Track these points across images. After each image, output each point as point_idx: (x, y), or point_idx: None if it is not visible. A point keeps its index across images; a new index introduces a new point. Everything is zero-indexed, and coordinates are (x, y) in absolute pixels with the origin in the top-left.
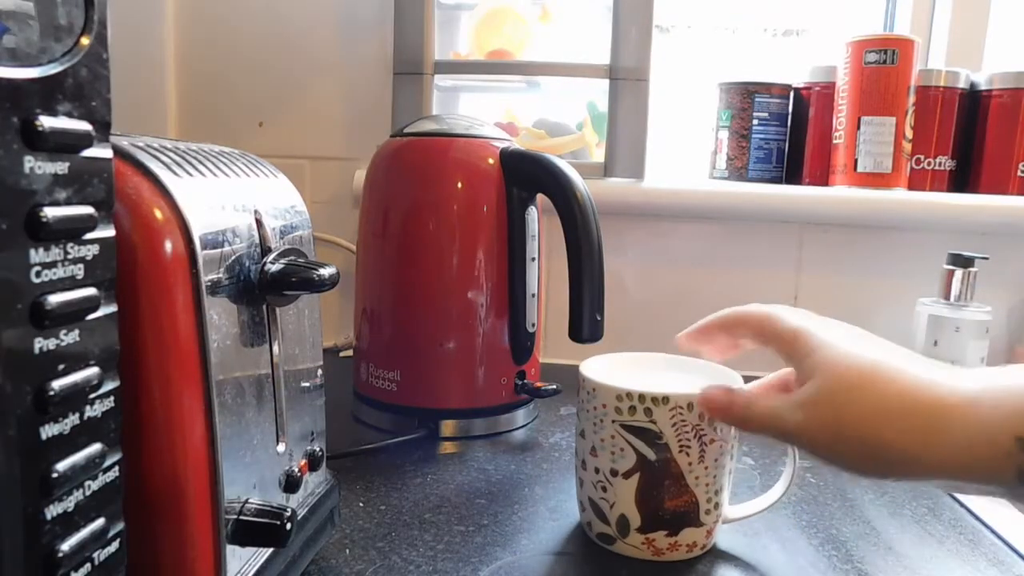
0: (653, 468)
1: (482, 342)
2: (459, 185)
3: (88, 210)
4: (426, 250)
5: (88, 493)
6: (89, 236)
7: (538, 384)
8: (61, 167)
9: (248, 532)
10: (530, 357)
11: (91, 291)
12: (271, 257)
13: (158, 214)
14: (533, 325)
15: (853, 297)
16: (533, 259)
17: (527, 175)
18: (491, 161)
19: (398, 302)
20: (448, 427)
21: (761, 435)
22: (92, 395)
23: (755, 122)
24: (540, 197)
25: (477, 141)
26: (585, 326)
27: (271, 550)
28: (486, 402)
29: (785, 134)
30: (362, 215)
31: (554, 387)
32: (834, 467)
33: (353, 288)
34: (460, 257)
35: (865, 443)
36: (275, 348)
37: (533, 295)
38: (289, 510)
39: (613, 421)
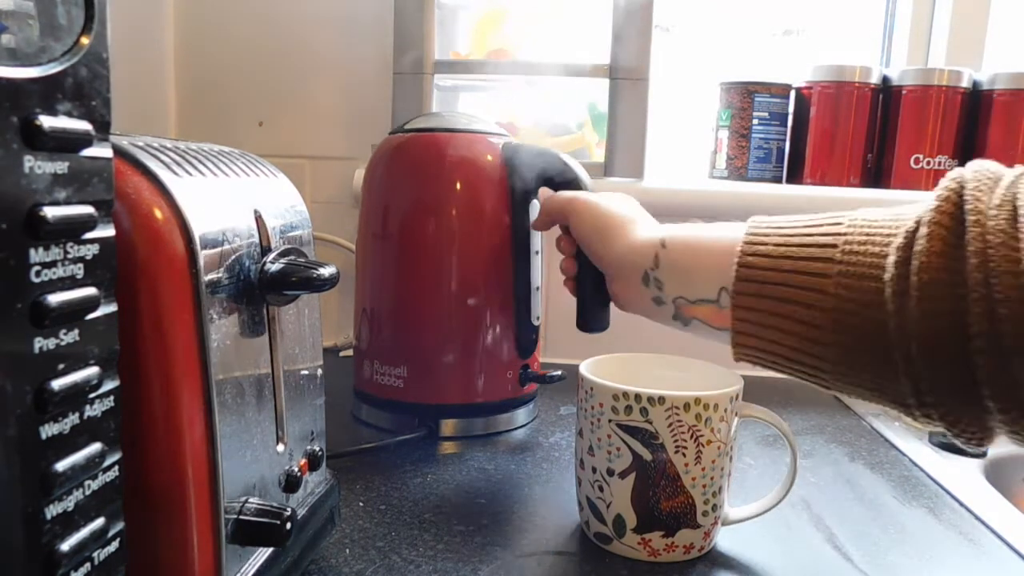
0: (649, 468)
1: (487, 336)
2: (460, 180)
3: (88, 210)
4: (428, 246)
5: (88, 493)
6: (89, 236)
7: (542, 372)
8: (61, 167)
9: (248, 532)
10: (534, 350)
11: (91, 291)
12: (271, 257)
13: (158, 214)
14: (538, 319)
15: None
16: (536, 252)
17: (530, 167)
18: (492, 155)
19: (401, 298)
20: (448, 427)
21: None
22: (92, 395)
23: (755, 122)
24: (542, 191)
25: (477, 136)
26: (592, 315)
27: (271, 550)
28: (491, 396)
29: (785, 134)
30: (362, 212)
31: (559, 373)
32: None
33: (353, 288)
34: (463, 252)
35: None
36: (275, 348)
37: (537, 288)
38: (289, 510)
39: (610, 421)
